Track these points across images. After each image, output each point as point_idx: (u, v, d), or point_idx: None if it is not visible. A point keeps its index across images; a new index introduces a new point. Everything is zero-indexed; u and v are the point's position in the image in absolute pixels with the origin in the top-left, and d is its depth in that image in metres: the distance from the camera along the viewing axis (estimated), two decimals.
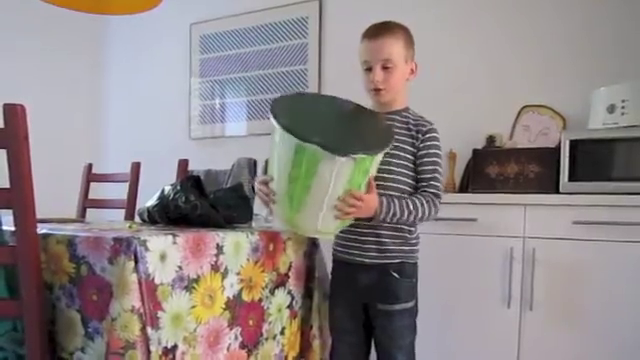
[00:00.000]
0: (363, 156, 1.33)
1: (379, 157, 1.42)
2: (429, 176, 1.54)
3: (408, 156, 1.55)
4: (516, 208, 2.19)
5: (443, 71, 2.83)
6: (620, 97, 2.17)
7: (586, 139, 2.19)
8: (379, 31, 1.54)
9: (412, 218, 1.49)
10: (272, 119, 1.36)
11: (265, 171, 1.50)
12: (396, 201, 1.47)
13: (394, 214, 1.46)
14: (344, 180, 1.35)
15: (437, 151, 1.56)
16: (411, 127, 1.57)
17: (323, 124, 1.43)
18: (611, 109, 2.19)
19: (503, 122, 2.64)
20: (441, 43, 2.84)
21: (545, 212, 2.14)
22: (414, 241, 1.60)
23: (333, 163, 1.31)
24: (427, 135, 1.55)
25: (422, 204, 1.49)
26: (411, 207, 1.48)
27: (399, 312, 1.56)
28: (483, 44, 2.75)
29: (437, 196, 1.54)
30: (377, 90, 1.55)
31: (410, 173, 1.55)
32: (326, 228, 1.46)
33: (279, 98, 1.47)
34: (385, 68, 1.52)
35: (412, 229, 1.59)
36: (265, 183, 1.45)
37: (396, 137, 1.51)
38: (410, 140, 1.56)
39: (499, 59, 2.71)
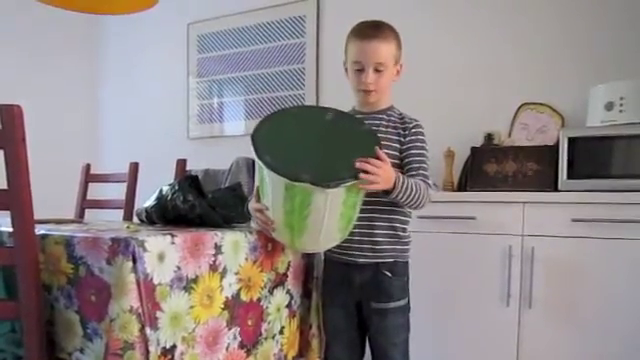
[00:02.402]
0: (354, 181, 1.33)
1: None
2: (417, 165, 1.54)
3: (396, 153, 1.56)
4: (515, 206, 2.19)
5: (441, 69, 2.83)
6: (618, 94, 2.17)
7: (584, 137, 2.19)
8: (373, 33, 1.53)
9: (418, 196, 1.47)
10: (256, 157, 1.35)
11: (257, 194, 1.48)
12: (408, 180, 1.46)
13: (408, 187, 1.44)
14: (338, 203, 1.37)
15: (423, 144, 1.58)
16: (397, 125, 1.60)
17: (307, 151, 1.40)
18: (609, 106, 2.19)
19: (501, 120, 2.65)
20: (439, 41, 2.84)
21: (544, 210, 2.14)
22: (406, 240, 1.61)
23: (325, 195, 1.32)
24: (413, 130, 1.58)
25: (422, 186, 1.49)
26: (417, 185, 1.47)
27: (392, 310, 1.57)
28: (481, 42, 2.75)
29: (428, 185, 1.54)
30: (367, 91, 1.56)
31: (399, 170, 1.55)
32: (329, 242, 1.50)
33: (258, 126, 1.43)
34: (377, 71, 1.53)
35: (405, 227, 1.60)
36: (260, 211, 1.45)
37: (383, 136, 1.54)
38: (396, 138, 1.58)
39: (497, 57, 2.71)
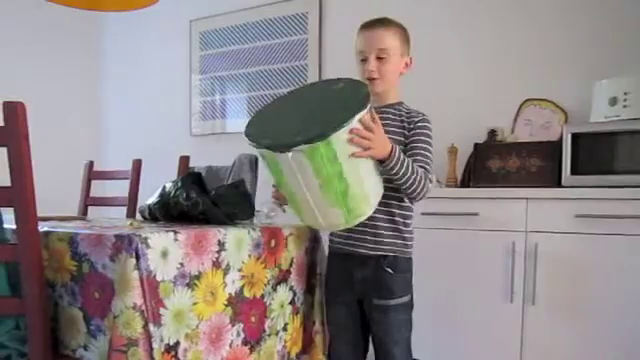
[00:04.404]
0: (303, 147, 1.23)
1: (342, 136, 1.27)
2: (419, 158, 1.53)
3: (401, 147, 1.54)
4: (518, 202, 2.18)
5: (444, 65, 2.82)
6: (622, 90, 2.16)
7: (588, 132, 2.18)
8: (375, 23, 1.58)
9: (415, 179, 1.45)
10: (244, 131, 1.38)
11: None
12: (406, 159, 1.44)
13: (405, 163, 1.42)
14: (310, 175, 1.29)
15: (427, 139, 1.57)
16: (404, 119, 1.59)
17: (291, 120, 1.37)
18: (613, 102, 2.18)
19: (504, 116, 2.64)
20: (442, 37, 2.83)
21: (547, 206, 2.14)
22: (407, 235, 1.60)
23: (285, 160, 1.27)
24: (418, 124, 1.57)
25: (420, 172, 1.48)
26: (415, 169, 1.46)
27: (394, 307, 1.57)
28: (484, 38, 2.74)
29: (428, 172, 1.52)
30: (371, 79, 1.57)
31: None
32: (331, 219, 1.42)
33: (263, 107, 1.51)
34: (380, 58, 1.55)
35: (407, 222, 1.60)
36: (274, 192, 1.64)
37: (389, 129, 1.52)
38: (401, 131, 1.58)
39: (500, 53, 2.70)
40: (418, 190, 1.47)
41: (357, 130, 1.30)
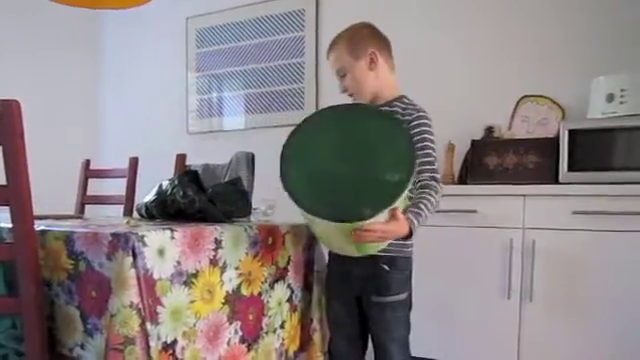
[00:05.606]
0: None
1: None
2: (423, 160, 1.51)
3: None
4: (515, 199, 2.18)
5: (441, 62, 2.82)
6: (619, 86, 2.16)
7: (585, 129, 2.18)
8: (328, 50, 1.67)
9: (432, 212, 1.47)
10: (296, 205, 1.31)
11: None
12: (421, 212, 1.44)
13: (422, 221, 1.44)
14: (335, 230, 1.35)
15: (426, 135, 1.54)
16: (399, 117, 1.56)
17: (334, 172, 1.34)
18: (610, 98, 2.18)
19: (501, 112, 2.64)
20: (439, 34, 2.83)
21: (545, 203, 2.14)
22: None
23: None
24: (414, 122, 1.54)
25: (432, 198, 1.47)
26: (428, 205, 1.45)
27: (391, 304, 1.56)
28: (481, 35, 2.74)
29: (435, 179, 1.51)
30: (350, 95, 1.65)
31: None
32: (343, 250, 1.50)
33: (284, 157, 1.37)
34: (342, 76, 1.63)
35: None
36: None
37: None
38: None
39: (497, 49, 2.70)
40: (435, 210, 1.50)
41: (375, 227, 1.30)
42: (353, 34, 1.64)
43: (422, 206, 1.44)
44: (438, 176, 1.52)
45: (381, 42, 1.63)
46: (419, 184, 1.51)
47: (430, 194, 1.47)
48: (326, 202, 1.29)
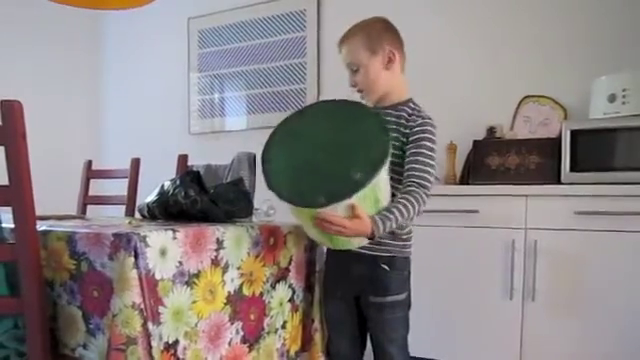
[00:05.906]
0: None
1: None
2: (414, 166, 1.48)
3: (396, 152, 1.50)
4: (517, 199, 2.18)
5: (443, 62, 2.82)
6: (621, 86, 2.16)
7: (587, 129, 2.18)
8: (341, 39, 1.62)
9: (406, 220, 1.44)
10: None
11: None
12: (389, 216, 1.40)
13: (389, 226, 1.40)
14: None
15: (425, 142, 1.49)
16: (403, 122, 1.53)
17: (309, 163, 1.40)
18: (612, 98, 2.18)
19: (503, 113, 2.64)
20: (441, 34, 2.83)
21: (546, 203, 2.14)
22: (405, 236, 1.57)
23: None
24: (416, 129, 1.51)
25: (410, 206, 1.43)
26: (401, 212, 1.41)
27: (390, 304, 1.56)
28: (483, 35, 2.74)
29: (423, 187, 1.46)
30: (359, 91, 1.61)
31: (398, 169, 1.51)
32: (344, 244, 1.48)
33: (268, 144, 1.44)
34: (355, 71, 1.58)
35: (403, 225, 1.57)
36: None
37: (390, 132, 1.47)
38: (397, 135, 1.52)
39: (499, 50, 2.70)
40: (410, 222, 1.51)
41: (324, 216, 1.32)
42: (369, 29, 1.59)
43: (395, 210, 1.40)
44: (428, 184, 1.47)
45: (399, 40, 1.60)
46: (403, 189, 1.48)
47: (409, 200, 1.43)
48: (301, 188, 1.35)
